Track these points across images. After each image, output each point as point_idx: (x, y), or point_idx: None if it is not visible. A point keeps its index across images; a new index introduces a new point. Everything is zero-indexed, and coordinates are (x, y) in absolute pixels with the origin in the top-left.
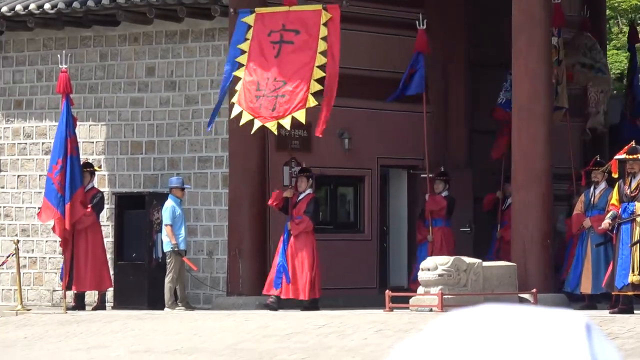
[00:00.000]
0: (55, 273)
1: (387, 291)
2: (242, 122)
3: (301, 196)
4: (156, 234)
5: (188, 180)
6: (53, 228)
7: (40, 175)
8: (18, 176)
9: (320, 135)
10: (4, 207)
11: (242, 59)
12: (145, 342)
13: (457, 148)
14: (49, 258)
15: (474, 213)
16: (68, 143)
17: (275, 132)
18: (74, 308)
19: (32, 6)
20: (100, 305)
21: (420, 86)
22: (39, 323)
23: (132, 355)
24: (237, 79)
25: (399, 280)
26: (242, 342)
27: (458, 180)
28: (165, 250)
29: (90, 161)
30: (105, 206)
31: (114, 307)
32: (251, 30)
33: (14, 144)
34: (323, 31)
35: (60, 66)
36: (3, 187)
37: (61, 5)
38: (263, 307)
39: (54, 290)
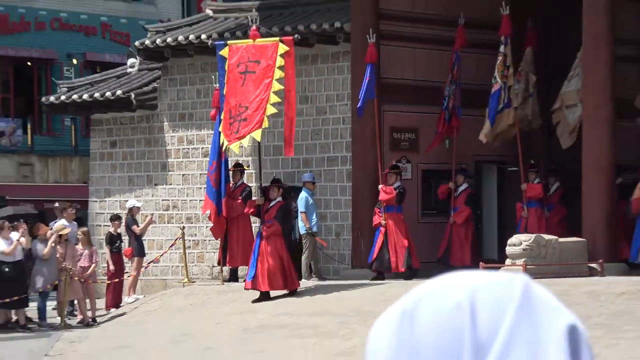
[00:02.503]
0: (214, 252)
1: (481, 263)
2: (223, 148)
3: (272, 203)
4: (293, 220)
5: (318, 176)
6: (209, 217)
7: (200, 174)
8: (182, 175)
9: (292, 155)
10: (172, 200)
11: (225, 90)
12: (286, 306)
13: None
14: (209, 240)
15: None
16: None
17: (237, 152)
18: (229, 280)
19: (191, 37)
20: (233, 277)
21: (371, 92)
22: (201, 292)
23: (276, 317)
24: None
25: (490, 254)
26: (363, 306)
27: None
28: (301, 233)
29: (240, 162)
30: (253, 197)
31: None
32: (226, 63)
33: (179, 149)
34: (280, 61)
35: (214, 85)
36: (171, 184)
37: (215, 35)
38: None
39: (213, 266)
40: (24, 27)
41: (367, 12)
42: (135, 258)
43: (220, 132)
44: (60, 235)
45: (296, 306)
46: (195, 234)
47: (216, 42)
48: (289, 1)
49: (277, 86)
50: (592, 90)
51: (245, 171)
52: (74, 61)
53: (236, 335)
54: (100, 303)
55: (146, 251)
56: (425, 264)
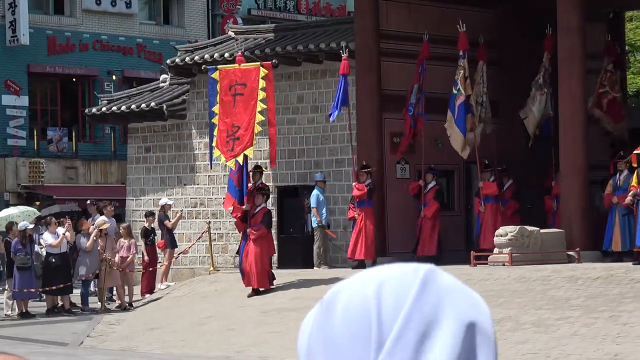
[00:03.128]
0: (236, 244)
1: (471, 252)
2: (221, 162)
3: (257, 209)
4: (306, 214)
5: (328, 176)
6: (232, 212)
7: (224, 175)
8: (208, 176)
9: (275, 167)
10: (199, 198)
11: (216, 108)
12: (301, 292)
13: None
14: (231, 233)
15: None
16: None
17: (234, 168)
18: None
19: (216, 55)
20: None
21: (345, 101)
22: (225, 280)
23: (292, 301)
24: (215, 125)
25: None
26: None
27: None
28: (313, 226)
29: (259, 164)
30: (271, 195)
31: (277, 267)
32: (218, 85)
33: (205, 153)
34: (262, 83)
35: None
36: (198, 184)
37: (236, 53)
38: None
39: (235, 256)
40: (70, 48)
41: (369, 32)
42: (167, 249)
43: (213, 147)
44: (100, 230)
45: (309, 292)
46: (220, 228)
47: (208, 67)
48: (301, 23)
49: (260, 106)
50: (567, 99)
51: (264, 172)
52: (113, 77)
53: (256, 317)
54: (136, 289)
55: (177, 243)
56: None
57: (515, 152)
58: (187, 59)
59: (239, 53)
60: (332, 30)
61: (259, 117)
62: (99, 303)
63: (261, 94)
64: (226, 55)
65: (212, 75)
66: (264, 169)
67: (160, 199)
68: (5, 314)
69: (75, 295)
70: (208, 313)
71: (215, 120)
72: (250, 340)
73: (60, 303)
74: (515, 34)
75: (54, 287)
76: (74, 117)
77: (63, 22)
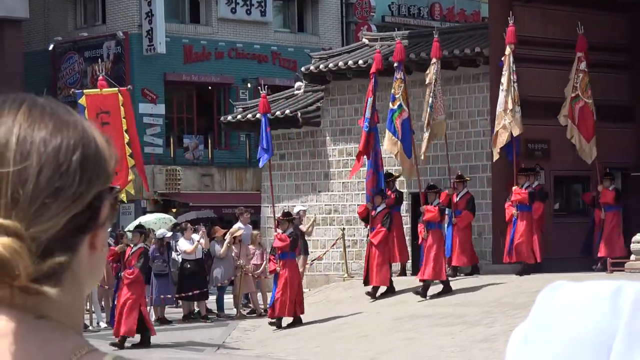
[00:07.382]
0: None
1: (608, 258)
2: None
3: (134, 249)
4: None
5: None
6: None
7: (358, 182)
8: (342, 183)
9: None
10: (333, 205)
11: None
12: (436, 299)
13: None
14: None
15: None
16: (378, 159)
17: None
18: None
19: (350, 62)
20: (402, 273)
21: (268, 145)
22: (359, 287)
23: (425, 308)
24: None
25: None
26: (504, 298)
27: None
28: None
29: (390, 172)
30: (405, 201)
31: (412, 274)
32: (86, 112)
33: (339, 160)
34: (122, 111)
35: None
36: (332, 191)
37: (370, 61)
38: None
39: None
40: (206, 57)
41: (504, 38)
42: (301, 256)
43: None
44: (234, 237)
45: (443, 298)
46: (354, 235)
47: (77, 91)
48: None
49: (126, 137)
50: None
51: (397, 179)
52: (248, 85)
53: (389, 324)
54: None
55: (310, 250)
56: (562, 259)
57: None
58: (322, 66)
59: (101, 77)
60: (466, 37)
61: (128, 150)
62: (235, 309)
63: (124, 123)
64: (360, 62)
65: (79, 101)
66: (395, 175)
67: (294, 206)
68: None
69: (211, 302)
70: (342, 320)
71: None
72: (383, 347)
73: (196, 309)
74: None
75: (190, 294)
76: (210, 125)
77: (199, 31)
